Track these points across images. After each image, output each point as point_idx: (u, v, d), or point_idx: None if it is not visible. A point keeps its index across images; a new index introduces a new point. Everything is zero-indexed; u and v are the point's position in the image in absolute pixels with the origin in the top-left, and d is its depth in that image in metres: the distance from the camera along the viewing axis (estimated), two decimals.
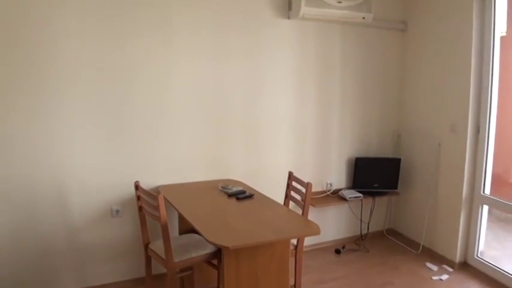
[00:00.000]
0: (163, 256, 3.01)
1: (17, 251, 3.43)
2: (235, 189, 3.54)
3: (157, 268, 3.66)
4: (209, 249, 3.11)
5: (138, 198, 3.28)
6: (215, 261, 3.24)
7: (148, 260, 3.38)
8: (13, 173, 3.33)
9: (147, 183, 3.72)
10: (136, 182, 3.27)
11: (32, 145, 3.36)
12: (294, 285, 3.42)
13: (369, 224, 4.81)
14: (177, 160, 3.84)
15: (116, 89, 3.54)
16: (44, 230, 3.49)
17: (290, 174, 3.66)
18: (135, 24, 3.54)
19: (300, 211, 3.33)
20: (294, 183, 3.61)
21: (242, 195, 3.40)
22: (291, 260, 2.97)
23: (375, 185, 4.58)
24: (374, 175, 4.59)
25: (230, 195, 3.43)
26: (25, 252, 3.46)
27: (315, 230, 2.79)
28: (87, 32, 3.40)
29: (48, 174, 3.44)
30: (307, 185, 3.31)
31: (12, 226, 3.39)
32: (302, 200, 3.37)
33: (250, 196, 3.41)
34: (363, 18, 4.16)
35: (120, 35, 3.50)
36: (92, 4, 3.39)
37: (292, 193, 3.60)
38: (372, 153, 4.77)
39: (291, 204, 3.63)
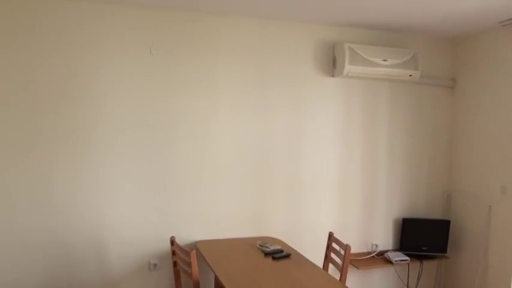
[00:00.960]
0: None
1: None
2: (272, 247, 3.46)
3: None
4: None
5: (173, 253, 3.27)
6: None
7: None
8: (53, 223, 3.43)
9: (185, 238, 3.71)
10: (172, 237, 3.27)
11: (73, 196, 3.46)
12: None
13: None
14: (216, 216, 3.82)
15: (157, 143, 3.62)
16: (81, 279, 3.53)
17: (330, 235, 3.55)
18: (178, 79, 3.64)
19: (339, 274, 3.20)
20: (334, 245, 3.49)
21: (279, 254, 3.31)
22: None
23: (423, 248, 4.35)
24: (422, 237, 4.37)
25: (267, 254, 3.35)
26: None
27: None
28: (132, 87, 3.53)
29: (87, 225, 3.51)
30: (346, 248, 3.19)
31: (49, 275, 3.45)
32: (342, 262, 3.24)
33: (287, 256, 3.31)
34: (410, 75, 4.09)
35: (163, 90, 3.61)
36: (136, 61, 3.53)
37: (332, 255, 3.47)
38: (420, 214, 4.57)
39: (331, 266, 3.51)
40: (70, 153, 3.42)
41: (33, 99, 3.31)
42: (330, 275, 3.02)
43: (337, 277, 3.16)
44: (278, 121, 3.97)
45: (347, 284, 3.11)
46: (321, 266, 3.56)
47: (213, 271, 3.10)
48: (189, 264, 2.90)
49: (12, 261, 3.38)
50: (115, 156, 3.53)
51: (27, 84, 3.29)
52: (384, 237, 4.46)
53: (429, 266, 4.59)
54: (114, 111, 3.50)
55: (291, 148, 4.03)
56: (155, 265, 3.68)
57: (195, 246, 3.64)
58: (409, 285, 4.51)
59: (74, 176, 3.44)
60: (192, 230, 3.75)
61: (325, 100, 4.11)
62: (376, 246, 4.41)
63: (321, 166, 4.14)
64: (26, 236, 3.38)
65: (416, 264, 4.39)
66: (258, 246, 3.54)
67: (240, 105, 3.84)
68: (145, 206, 3.63)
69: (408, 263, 4.27)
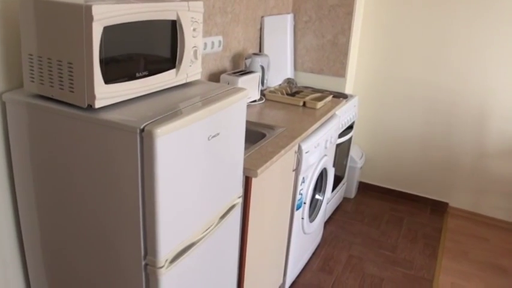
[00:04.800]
0: None
1: (425, 154, 3.70)
2: None
3: None
4: None
5: None
6: None
7: None
8: (440, 81, 3.50)
9: None
10: None
11: (462, 62, 3.40)
12: None
13: None
14: None
15: None
16: (454, 142, 3.58)
17: None
18: None
19: None
20: None
21: None
22: None
23: None
24: None
25: None
26: (431, 157, 3.69)
27: None
28: None
29: (473, 91, 3.43)
30: None
31: (426, 128, 3.64)
32: None
33: None
34: None
35: None
36: None
37: None
38: None
39: None
40: (470, 13, 3.30)
41: None
42: None
43: None
44: None
45: None
46: None
47: None
48: None
49: (396, 108, 3.69)
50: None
51: None
52: None
53: None
54: None
55: None
56: None
57: None
58: None
59: (470, 37, 3.35)
60: None
61: None
62: None
63: None
64: (413, 88, 3.58)
65: None
66: None
67: None
68: None
69: None
